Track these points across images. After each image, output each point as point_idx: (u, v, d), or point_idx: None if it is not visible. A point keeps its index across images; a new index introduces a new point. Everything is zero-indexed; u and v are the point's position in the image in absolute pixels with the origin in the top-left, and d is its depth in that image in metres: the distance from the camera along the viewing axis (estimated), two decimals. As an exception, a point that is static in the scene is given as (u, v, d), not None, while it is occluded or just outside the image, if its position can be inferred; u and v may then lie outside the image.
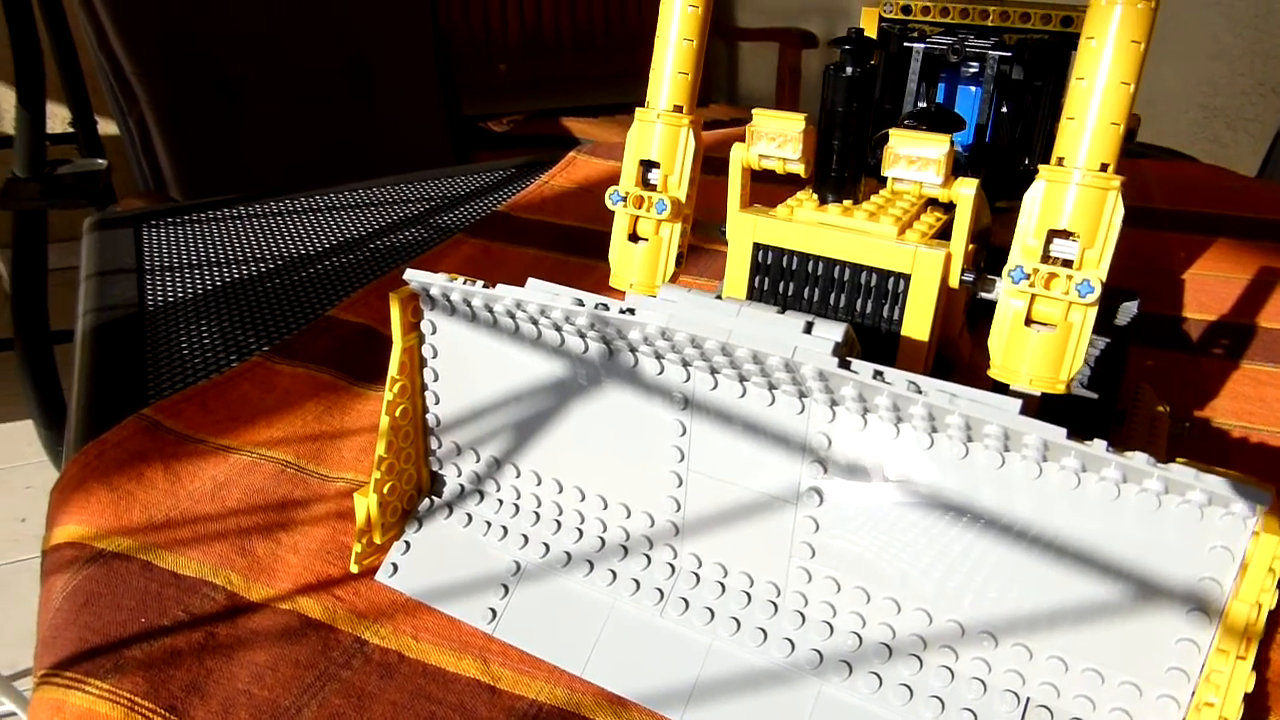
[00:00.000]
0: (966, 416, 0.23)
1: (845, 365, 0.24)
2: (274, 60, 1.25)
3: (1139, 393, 0.48)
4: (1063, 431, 0.23)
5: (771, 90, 2.50)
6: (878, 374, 0.24)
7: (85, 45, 1.28)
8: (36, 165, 1.53)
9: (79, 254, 0.71)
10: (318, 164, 1.29)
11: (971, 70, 0.43)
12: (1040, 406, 0.34)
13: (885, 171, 0.30)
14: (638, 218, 0.34)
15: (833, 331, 0.25)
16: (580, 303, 0.28)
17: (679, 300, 0.27)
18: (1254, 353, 0.58)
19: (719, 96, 2.80)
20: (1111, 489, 0.24)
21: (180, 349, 0.56)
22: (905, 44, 0.43)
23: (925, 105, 0.43)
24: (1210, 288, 0.67)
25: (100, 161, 1.58)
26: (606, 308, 0.28)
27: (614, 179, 0.34)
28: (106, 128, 1.54)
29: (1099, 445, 0.23)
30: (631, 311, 0.27)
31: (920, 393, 0.24)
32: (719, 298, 0.31)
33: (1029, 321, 0.29)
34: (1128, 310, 0.46)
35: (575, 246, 0.70)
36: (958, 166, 0.42)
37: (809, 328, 0.25)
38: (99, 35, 1.15)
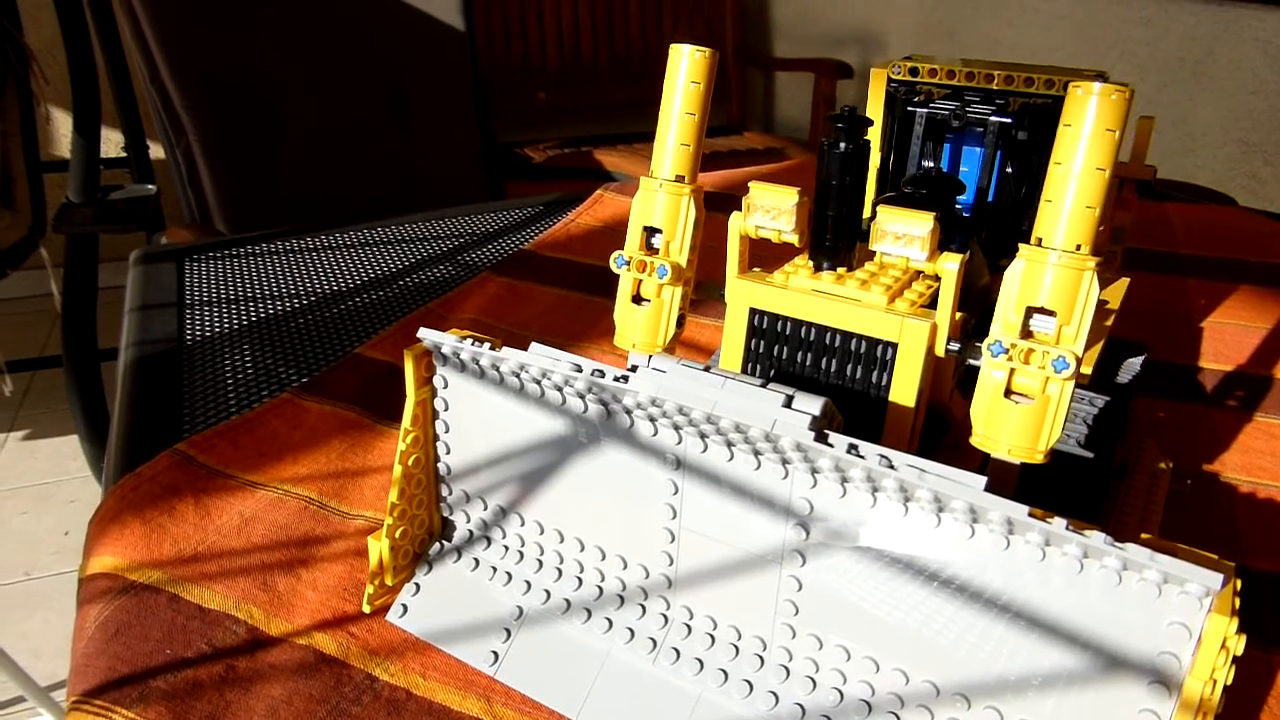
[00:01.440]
0: (934, 491, 0.25)
1: (822, 438, 0.26)
2: (317, 95, 1.29)
3: (1142, 448, 0.49)
4: (1024, 509, 0.24)
5: (807, 119, 2.52)
6: (852, 448, 0.25)
7: (139, 74, 1.33)
8: (90, 190, 1.59)
9: (126, 275, 0.74)
10: (357, 196, 1.33)
11: (975, 131, 0.44)
12: (1032, 465, 0.35)
13: (873, 246, 0.31)
14: (641, 280, 0.36)
15: (811, 405, 0.26)
16: (578, 368, 0.30)
17: (668, 370, 0.28)
18: (1269, 405, 0.58)
19: (755, 125, 2.82)
20: (1075, 564, 0.25)
21: (215, 384, 0.58)
22: (909, 108, 0.44)
23: (928, 168, 0.44)
24: (1229, 336, 0.67)
25: (150, 187, 1.64)
26: (602, 374, 0.29)
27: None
28: (158, 151, 1.59)
29: (1059, 523, 0.24)
30: (624, 379, 0.29)
31: (892, 468, 0.25)
32: (715, 363, 0.32)
33: (1009, 393, 0.30)
34: (1130, 367, 0.47)
35: (598, 286, 0.72)
36: (958, 226, 0.43)
37: (789, 401, 0.27)
38: (150, 69, 1.20)
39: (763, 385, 0.27)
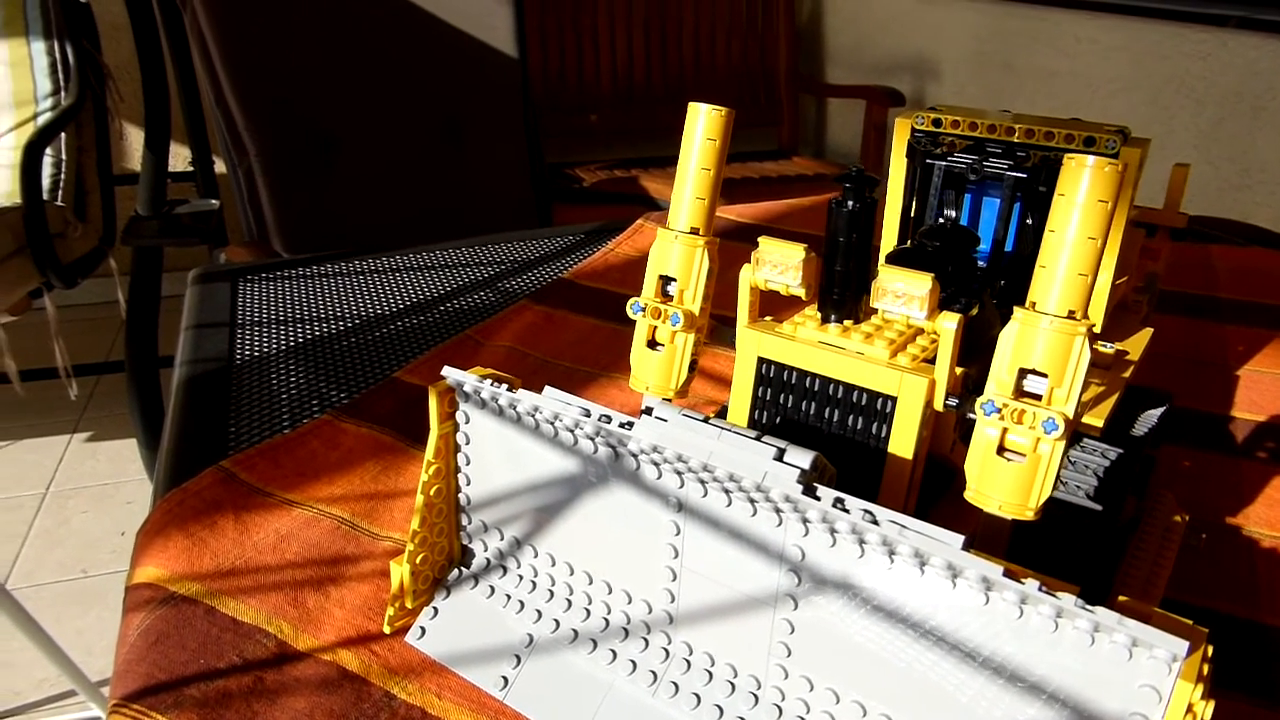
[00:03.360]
0: (915, 547, 0.26)
1: (810, 492, 0.27)
2: (373, 119, 1.34)
3: (1158, 500, 0.49)
4: (999, 569, 0.25)
5: (857, 145, 2.52)
6: (838, 502, 0.27)
7: (206, 95, 1.39)
8: (157, 204, 1.66)
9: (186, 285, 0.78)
10: (410, 217, 1.37)
11: (994, 183, 0.45)
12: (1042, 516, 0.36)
13: (874, 304, 0.33)
14: (655, 327, 0.38)
15: (802, 459, 0.28)
16: (587, 413, 0.31)
17: (670, 419, 0.30)
18: (1298, 458, 0.58)
19: (806, 150, 2.83)
20: (1050, 622, 0.26)
21: (261, 403, 0.61)
22: (928, 160, 0.45)
23: (945, 219, 0.45)
24: (1264, 386, 0.67)
25: (214, 202, 1.70)
26: (609, 419, 0.31)
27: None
28: (223, 167, 1.66)
29: (1031, 584, 0.25)
30: (629, 425, 0.30)
31: (875, 523, 0.26)
32: (722, 412, 0.34)
33: (1001, 450, 0.31)
34: (1148, 419, 0.47)
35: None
36: (974, 277, 0.44)
37: (780, 454, 0.28)
38: (216, 92, 1.25)
39: (757, 438, 0.29)
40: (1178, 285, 0.83)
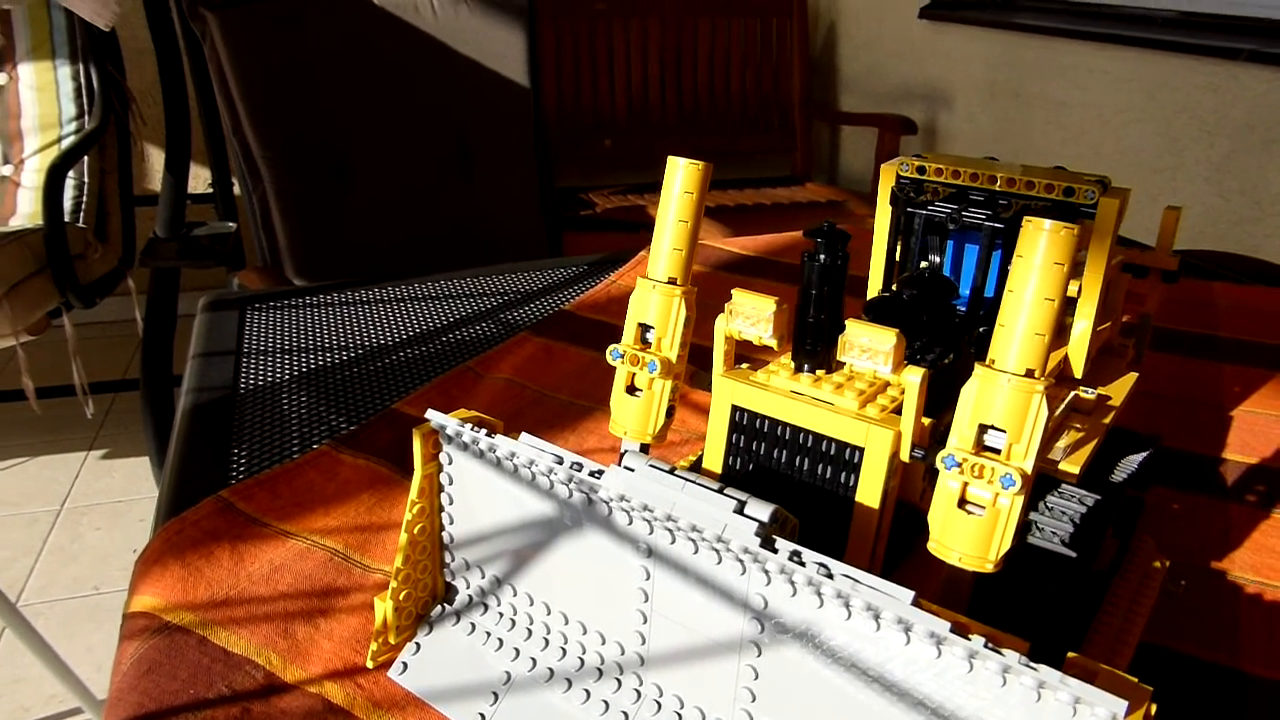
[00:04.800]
0: (867, 601, 0.27)
1: (769, 544, 0.28)
2: (384, 148, 1.36)
3: (1139, 546, 0.49)
4: (946, 625, 0.26)
5: (870, 172, 2.53)
6: (795, 555, 0.28)
7: (225, 122, 1.42)
8: (176, 227, 1.69)
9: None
10: (420, 244, 1.39)
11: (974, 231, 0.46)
12: (1011, 563, 0.37)
13: (841, 357, 0.34)
14: (634, 373, 0.39)
15: (761, 512, 0.29)
16: (560, 460, 0.32)
17: (637, 469, 0.31)
18: (1288, 502, 0.58)
19: (820, 176, 2.84)
20: (998, 678, 0.26)
21: (262, 433, 0.62)
22: (909, 209, 0.46)
23: (925, 266, 0.46)
24: (1259, 427, 0.67)
25: (231, 225, 1.73)
26: (580, 467, 0.32)
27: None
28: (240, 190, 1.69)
29: (977, 640, 0.25)
30: (599, 474, 0.31)
31: (830, 576, 0.27)
32: (697, 462, 0.35)
33: (963, 503, 0.32)
34: (1128, 465, 0.48)
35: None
36: (952, 324, 0.45)
37: (741, 507, 0.29)
38: (233, 122, 1.27)
39: (719, 490, 0.29)
40: (1177, 323, 0.83)
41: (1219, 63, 1.72)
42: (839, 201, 2.34)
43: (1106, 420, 0.46)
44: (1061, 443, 0.43)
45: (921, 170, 0.49)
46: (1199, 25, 1.88)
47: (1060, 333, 0.48)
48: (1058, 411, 0.44)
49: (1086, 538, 0.43)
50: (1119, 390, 0.50)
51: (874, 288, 0.50)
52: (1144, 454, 0.50)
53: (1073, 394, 0.47)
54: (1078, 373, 0.48)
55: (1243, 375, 0.74)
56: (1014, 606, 0.39)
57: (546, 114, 2.44)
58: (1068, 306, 0.47)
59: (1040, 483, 0.44)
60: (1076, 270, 0.47)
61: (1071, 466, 0.42)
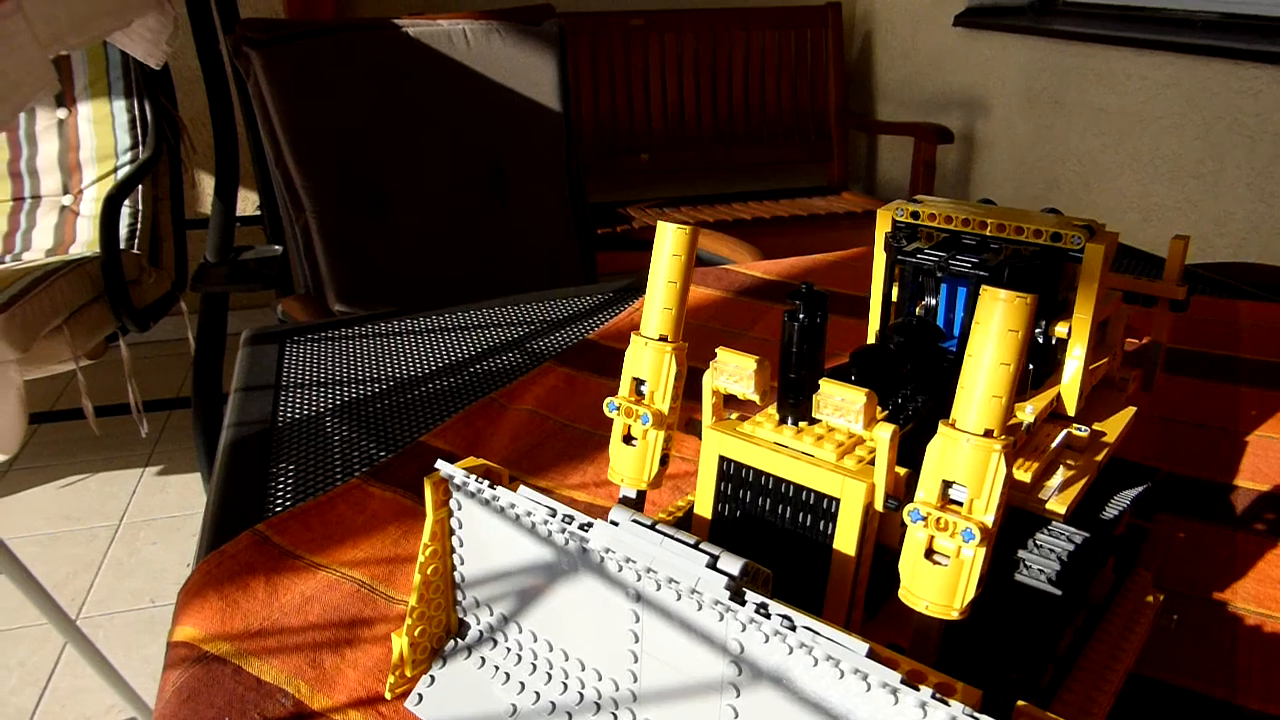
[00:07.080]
0: (826, 651, 0.29)
1: (738, 597, 0.30)
2: (421, 176, 1.40)
3: (1133, 580, 0.50)
4: (897, 676, 0.28)
5: (908, 180, 2.52)
6: (761, 608, 0.30)
7: (269, 153, 1.48)
8: (225, 251, 1.76)
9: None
10: (456, 269, 1.43)
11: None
12: (999, 599, 0.38)
13: (815, 414, 0.36)
14: (629, 424, 0.41)
15: (732, 566, 0.31)
16: (553, 513, 0.35)
17: (621, 524, 0.33)
18: (1298, 531, 0.58)
19: (856, 186, 2.84)
20: (950, 725, 0.28)
21: (297, 466, 0.66)
22: (900, 256, 0.48)
23: (914, 314, 0.48)
24: (1273, 452, 0.67)
25: (277, 248, 1.79)
26: (571, 519, 0.35)
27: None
28: (285, 218, 1.74)
29: (925, 692, 0.27)
30: (587, 528, 0.34)
31: (792, 629, 0.29)
32: (690, 507, 0.37)
33: (929, 554, 0.33)
34: (1120, 501, 0.49)
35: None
36: (941, 369, 0.46)
37: (713, 562, 0.31)
38: (276, 154, 1.33)
39: (695, 545, 0.32)
40: (1196, 344, 0.83)
41: (1261, 67, 1.70)
42: (871, 210, 2.34)
43: (1099, 458, 0.47)
44: (1053, 480, 0.44)
45: (916, 215, 0.51)
46: (1240, 28, 1.85)
47: (1053, 370, 0.50)
48: (1050, 449, 0.45)
49: (1074, 575, 0.45)
50: (1114, 426, 0.51)
51: (873, 329, 0.52)
52: (1141, 488, 0.51)
53: (1065, 432, 0.48)
54: (1071, 411, 0.49)
55: (1260, 399, 0.74)
56: (998, 644, 0.40)
57: (583, 131, 2.48)
58: (1059, 347, 0.49)
59: (1030, 521, 0.45)
60: (1066, 312, 0.48)
61: (1058, 506, 0.43)
